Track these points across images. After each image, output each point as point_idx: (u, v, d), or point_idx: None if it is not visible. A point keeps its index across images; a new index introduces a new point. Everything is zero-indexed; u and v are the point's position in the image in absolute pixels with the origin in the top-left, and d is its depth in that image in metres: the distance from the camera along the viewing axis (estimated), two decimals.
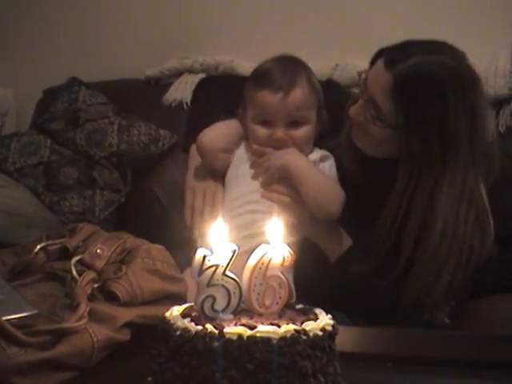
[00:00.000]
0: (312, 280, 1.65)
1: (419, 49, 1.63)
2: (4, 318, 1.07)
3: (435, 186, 1.63)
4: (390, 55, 1.64)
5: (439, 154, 1.62)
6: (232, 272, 0.93)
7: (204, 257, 0.91)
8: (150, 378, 0.95)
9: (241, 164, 1.80)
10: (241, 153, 1.81)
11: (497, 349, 1.23)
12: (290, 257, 0.96)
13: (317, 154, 1.79)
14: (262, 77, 1.76)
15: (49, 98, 2.72)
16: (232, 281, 0.93)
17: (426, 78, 1.59)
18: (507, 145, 2.29)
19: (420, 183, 1.65)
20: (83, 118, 2.57)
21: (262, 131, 1.74)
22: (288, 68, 1.76)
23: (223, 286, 0.92)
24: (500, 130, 2.29)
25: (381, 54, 1.68)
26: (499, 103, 2.32)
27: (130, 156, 2.50)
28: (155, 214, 2.41)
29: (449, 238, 1.62)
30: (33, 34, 2.95)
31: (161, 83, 2.69)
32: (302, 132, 1.74)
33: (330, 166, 1.78)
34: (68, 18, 2.93)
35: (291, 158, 1.73)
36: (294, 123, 1.73)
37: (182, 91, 2.61)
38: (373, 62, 1.70)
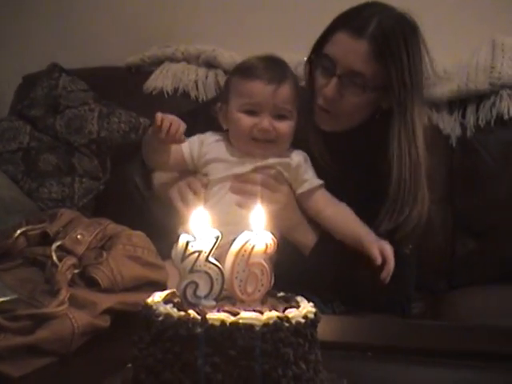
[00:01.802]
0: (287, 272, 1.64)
1: (372, 9, 1.75)
2: None
3: (397, 136, 1.73)
4: (352, 25, 1.73)
5: (398, 98, 1.72)
6: (215, 258, 0.93)
7: (187, 242, 0.91)
8: (129, 364, 0.94)
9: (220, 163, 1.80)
10: (220, 151, 1.81)
11: (475, 339, 1.24)
12: (272, 244, 0.95)
13: (298, 154, 1.80)
14: (252, 68, 1.76)
15: (28, 84, 2.69)
16: (215, 267, 0.92)
17: (393, 30, 1.71)
18: (487, 139, 2.31)
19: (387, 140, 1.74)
20: (63, 104, 2.56)
21: (247, 120, 1.73)
22: (278, 64, 1.80)
23: (206, 272, 0.91)
24: (480, 125, 2.30)
25: (334, 29, 1.76)
26: (480, 98, 2.33)
27: (109, 143, 2.49)
28: (134, 201, 2.39)
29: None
30: (12, 19, 2.92)
31: (142, 71, 2.68)
32: (286, 126, 1.74)
33: (312, 170, 1.80)
34: (49, 4, 2.90)
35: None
36: (280, 116, 1.74)
37: (162, 79, 2.60)
38: (322, 44, 1.79)
